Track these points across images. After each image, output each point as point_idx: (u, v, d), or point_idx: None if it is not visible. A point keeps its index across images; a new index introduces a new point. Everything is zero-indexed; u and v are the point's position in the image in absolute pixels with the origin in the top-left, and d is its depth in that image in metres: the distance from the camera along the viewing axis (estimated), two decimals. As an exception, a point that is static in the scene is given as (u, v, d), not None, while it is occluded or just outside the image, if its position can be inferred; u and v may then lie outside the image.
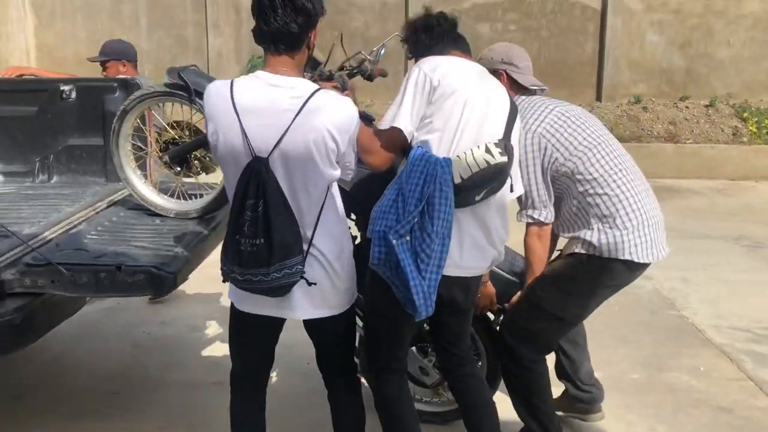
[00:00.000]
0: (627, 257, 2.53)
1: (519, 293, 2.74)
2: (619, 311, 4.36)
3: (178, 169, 2.99)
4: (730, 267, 5.24)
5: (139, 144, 3.13)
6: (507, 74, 2.72)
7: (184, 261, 2.58)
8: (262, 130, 2.02)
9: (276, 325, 2.32)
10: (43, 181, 3.62)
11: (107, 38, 4.69)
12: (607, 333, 4.03)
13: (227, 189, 2.16)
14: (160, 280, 2.45)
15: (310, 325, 2.31)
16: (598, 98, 9.55)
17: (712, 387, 3.46)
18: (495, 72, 2.65)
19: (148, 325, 4.11)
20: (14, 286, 2.43)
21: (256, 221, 1.98)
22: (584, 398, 2.99)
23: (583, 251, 2.58)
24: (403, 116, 2.32)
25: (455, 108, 2.29)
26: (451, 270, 2.30)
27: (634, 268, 2.60)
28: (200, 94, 2.64)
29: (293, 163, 2.04)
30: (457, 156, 2.24)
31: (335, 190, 2.24)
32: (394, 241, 2.16)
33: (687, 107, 9.21)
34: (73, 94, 3.56)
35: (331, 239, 2.19)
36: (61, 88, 3.55)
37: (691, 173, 8.32)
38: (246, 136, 2.01)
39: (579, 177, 2.58)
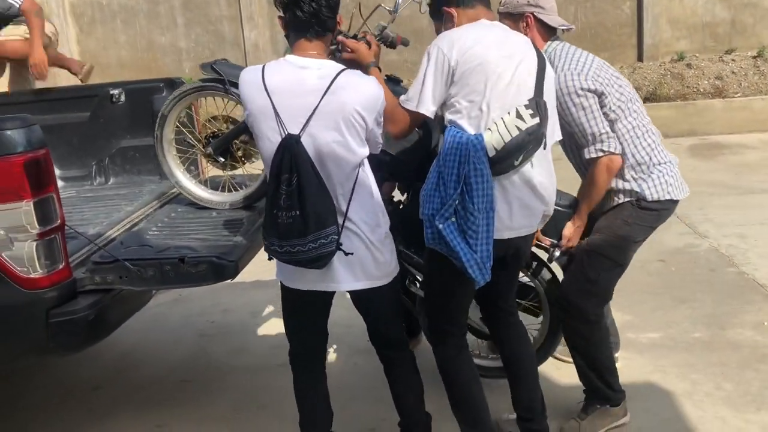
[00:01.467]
0: (668, 197, 2.66)
1: (577, 250, 2.77)
2: (676, 271, 4.34)
3: (222, 160, 3.08)
4: (789, 220, 5.12)
5: (185, 143, 3.22)
6: (534, 16, 2.68)
7: (244, 249, 2.67)
8: (293, 110, 2.14)
9: (324, 300, 2.43)
10: (100, 183, 3.76)
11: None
12: (665, 294, 4.00)
13: (265, 167, 2.26)
14: (222, 269, 2.54)
15: (357, 298, 2.44)
16: (640, 58, 9.34)
17: (777, 341, 3.42)
18: (521, 15, 2.67)
19: (210, 314, 4.24)
20: (85, 283, 2.55)
21: (291, 194, 2.09)
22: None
23: (627, 199, 2.67)
24: (426, 100, 2.36)
25: (478, 84, 2.31)
26: (503, 233, 2.36)
27: (674, 206, 2.74)
28: (234, 84, 2.76)
29: (323, 140, 2.15)
30: (488, 129, 2.28)
31: (367, 167, 2.33)
32: (440, 225, 2.25)
33: (733, 60, 8.94)
34: (123, 97, 3.68)
35: (365, 212, 2.29)
36: (111, 92, 3.67)
37: (743, 128, 8.09)
38: (278, 116, 2.13)
39: (620, 126, 2.63)
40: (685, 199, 2.76)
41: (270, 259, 2.30)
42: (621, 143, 2.64)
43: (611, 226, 2.70)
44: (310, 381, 2.56)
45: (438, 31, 2.54)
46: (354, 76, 2.20)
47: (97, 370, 3.65)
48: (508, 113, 2.28)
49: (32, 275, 2.40)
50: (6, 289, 2.38)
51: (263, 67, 2.21)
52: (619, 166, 2.64)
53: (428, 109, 2.37)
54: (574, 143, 2.68)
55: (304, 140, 2.13)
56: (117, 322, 2.73)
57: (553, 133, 2.48)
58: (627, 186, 2.68)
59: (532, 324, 3.06)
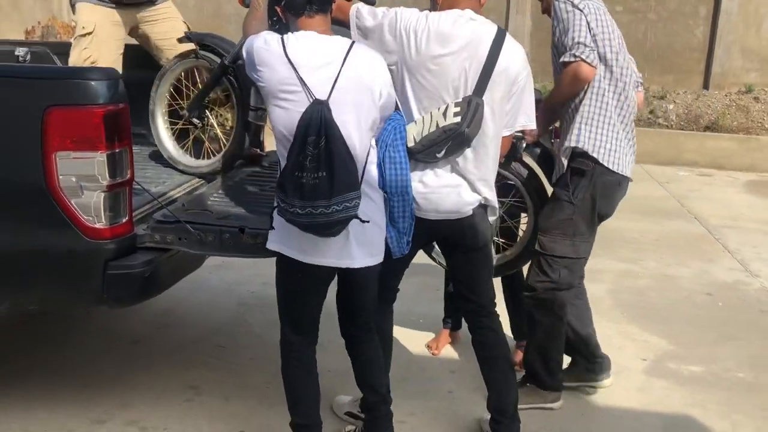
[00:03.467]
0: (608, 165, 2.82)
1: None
2: (723, 307, 4.25)
3: (198, 122, 3.31)
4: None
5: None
6: None
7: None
8: (317, 79, 2.19)
9: (330, 278, 2.45)
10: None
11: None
12: (710, 328, 3.93)
13: (278, 130, 2.25)
14: (279, 244, 2.55)
15: (357, 276, 2.41)
16: (705, 86, 9.15)
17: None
18: None
19: (251, 284, 4.28)
20: (144, 240, 2.59)
21: (318, 156, 2.11)
22: (595, 368, 3.16)
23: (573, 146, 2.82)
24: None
25: (420, 77, 2.42)
26: (431, 215, 2.50)
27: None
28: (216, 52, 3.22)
29: (346, 107, 2.21)
30: (414, 121, 2.43)
31: (373, 142, 2.41)
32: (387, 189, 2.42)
33: (804, 99, 8.72)
34: None
35: (374, 184, 2.38)
36: None
37: (804, 169, 7.90)
38: (305, 84, 2.17)
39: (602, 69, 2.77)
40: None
41: (271, 228, 2.32)
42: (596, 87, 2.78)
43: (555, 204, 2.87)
44: (306, 367, 2.54)
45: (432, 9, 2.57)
46: (364, 48, 2.32)
47: (137, 325, 3.71)
48: (437, 108, 2.39)
49: (96, 225, 2.45)
50: (70, 235, 2.43)
51: (282, 37, 2.24)
52: (589, 78, 2.73)
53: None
54: (558, 64, 2.79)
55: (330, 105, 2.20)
56: (169, 283, 2.77)
57: (521, 115, 2.55)
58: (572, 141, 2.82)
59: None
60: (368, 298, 2.55)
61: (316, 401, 2.56)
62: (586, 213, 2.85)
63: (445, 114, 2.37)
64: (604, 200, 2.88)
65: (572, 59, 2.70)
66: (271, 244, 2.37)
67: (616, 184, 2.89)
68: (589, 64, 2.70)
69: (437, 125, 2.37)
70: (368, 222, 2.26)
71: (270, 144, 3.88)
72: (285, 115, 2.21)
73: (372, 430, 2.63)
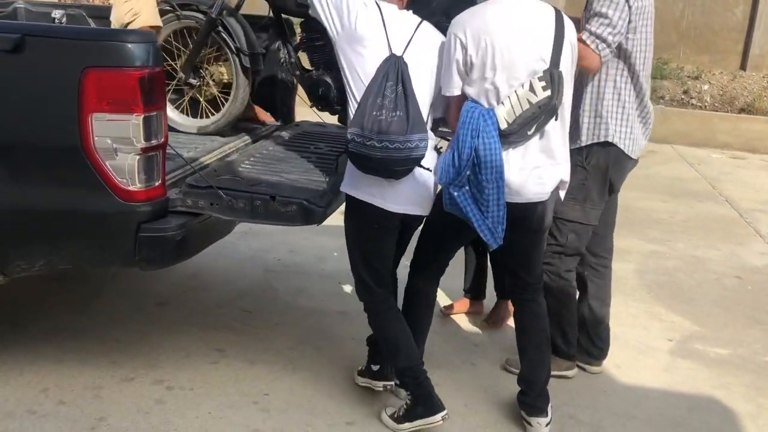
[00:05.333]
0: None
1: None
2: (752, 290, 4.21)
3: (194, 81, 3.41)
4: None
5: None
6: None
7: (333, 197, 2.69)
8: (396, 35, 2.46)
9: (397, 228, 2.62)
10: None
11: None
12: (738, 311, 3.90)
13: (355, 74, 2.48)
14: (310, 213, 2.57)
15: (412, 226, 2.69)
16: (743, 67, 8.96)
17: None
18: None
19: (278, 251, 4.32)
20: (177, 204, 2.61)
21: (395, 98, 2.38)
22: (593, 353, 3.16)
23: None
24: (454, 83, 2.49)
25: (487, 60, 2.40)
26: (513, 198, 2.48)
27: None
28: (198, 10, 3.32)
29: (416, 65, 2.46)
30: (501, 103, 2.41)
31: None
32: (455, 193, 2.43)
33: (843, 83, 8.50)
34: None
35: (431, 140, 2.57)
36: None
37: (840, 154, 7.74)
38: (388, 39, 2.44)
39: (626, 61, 2.78)
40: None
41: (336, 169, 2.60)
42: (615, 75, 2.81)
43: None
44: (397, 313, 2.70)
45: None
46: (431, 26, 2.57)
47: (164, 288, 3.76)
48: (522, 86, 2.39)
49: (130, 187, 2.47)
50: (104, 197, 2.46)
51: (376, 1, 2.51)
52: (595, 68, 2.76)
53: (455, 92, 2.51)
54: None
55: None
56: (199, 247, 2.80)
57: (570, 95, 2.57)
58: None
59: None
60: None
61: (413, 342, 2.67)
62: (597, 179, 2.88)
63: (533, 90, 2.39)
64: (616, 168, 2.90)
65: (589, 39, 2.69)
66: (345, 188, 2.58)
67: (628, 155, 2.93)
68: (609, 45, 2.70)
69: (529, 102, 2.39)
70: (430, 171, 2.51)
71: (300, 114, 3.91)
72: (363, 61, 2.45)
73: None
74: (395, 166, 2.41)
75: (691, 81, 8.71)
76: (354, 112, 2.45)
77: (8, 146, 2.50)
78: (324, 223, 2.75)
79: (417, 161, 2.43)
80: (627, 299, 3.95)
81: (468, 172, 2.40)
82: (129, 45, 2.39)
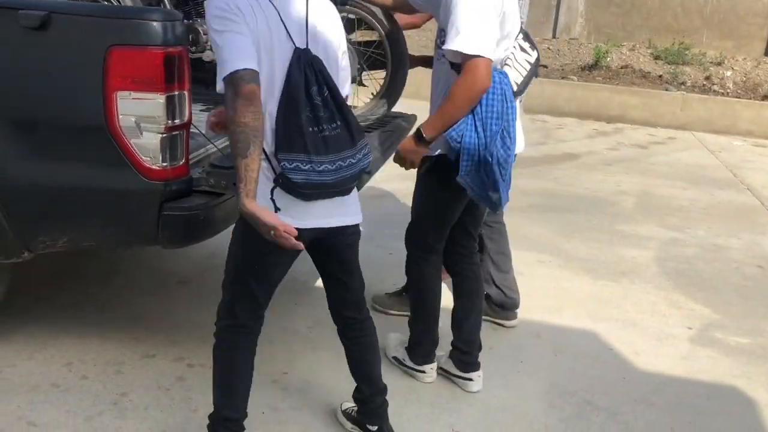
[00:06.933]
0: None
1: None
2: (773, 280, 4.17)
3: None
4: None
5: None
6: None
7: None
8: (294, 24, 2.01)
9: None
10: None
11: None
12: (759, 301, 3.87)
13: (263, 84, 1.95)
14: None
15: (350, 236, 2.23)
16: (767, 53, 8.82)
17: None
18: None
19: (296, 234, 4.33)
20: (200, 184, 2.62)
21: (327, 105, 1.99)
22: (507, 304, 3.34)
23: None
24: (488, 43, 2.28)
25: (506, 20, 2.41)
26: None
27: None
28: None
29: (322, 51, 2.06)
30: (507, 65, 2.45)
31: None
32: (490, 159, 2.34)
33: None
34: None
35: None
36: None
37: None
38: (287, 30, 1.99)
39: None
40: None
41: (277, 210, 2.03)
42: None
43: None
44: (254, 350, 2.34)
45: None
46: None
47: (183, 267, 3.79)
48: (515, 47, 2.44)
49: (154, 166, 2.48)
50: (128, 175, 2.47)
51: None
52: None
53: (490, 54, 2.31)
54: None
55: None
56: (221, 227, 2.80)
57: None
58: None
59: None
60: (357, 268, 2.34)
61: (248, 394, 2.33)
62: None
63: (525, 51, 2.49)
64: None
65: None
66: (287, 219, 1.99)
67: None
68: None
69: (528, 63, 2.49)
70: (370, 173, 2.33)
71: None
72: (268, 66, 1.97)
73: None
74: (348, 184, 2.07)
75: (713, 67, 8.59)
76: (276, 132, 1.98)
77: (33, 124, 2.51)
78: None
79: (365, 170, 2.10)
80: (646, 286, 3.93)
81: (498, 137, 2.38)
82: (154, 24, 2.38)
